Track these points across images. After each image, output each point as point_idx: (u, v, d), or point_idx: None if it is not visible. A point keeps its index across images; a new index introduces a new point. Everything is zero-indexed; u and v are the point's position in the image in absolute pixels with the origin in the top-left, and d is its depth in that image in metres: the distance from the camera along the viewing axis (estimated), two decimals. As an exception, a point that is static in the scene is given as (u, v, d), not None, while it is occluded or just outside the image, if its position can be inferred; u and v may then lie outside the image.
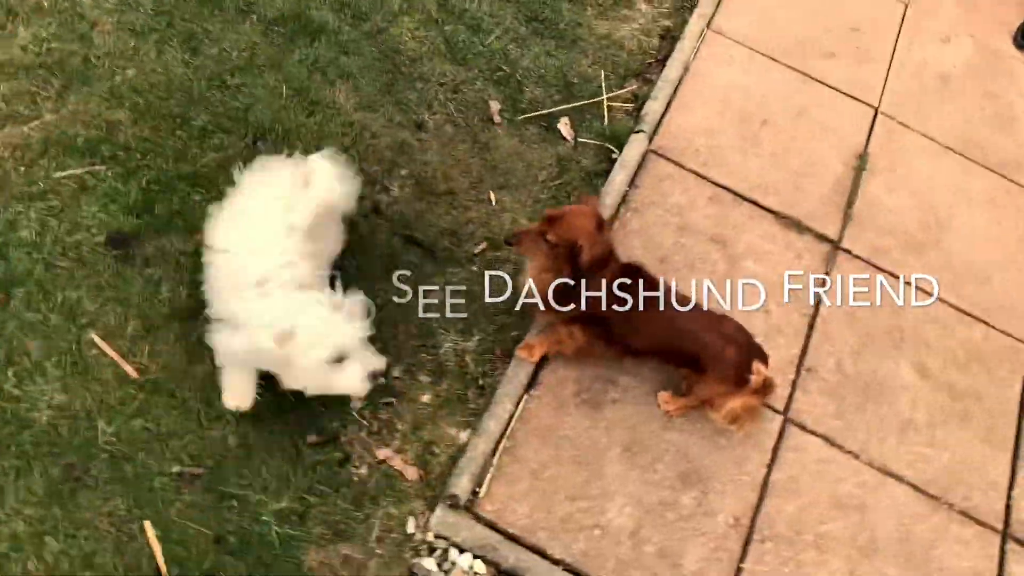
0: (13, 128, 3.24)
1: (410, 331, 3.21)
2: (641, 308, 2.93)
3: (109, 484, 2.67)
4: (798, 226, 3.85)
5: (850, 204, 3.99)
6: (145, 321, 2.96)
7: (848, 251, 3.83)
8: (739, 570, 2.98)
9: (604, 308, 2.94)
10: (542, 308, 3.04)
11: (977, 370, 3.64)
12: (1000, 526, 3.29)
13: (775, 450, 3.24)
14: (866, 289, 3.73)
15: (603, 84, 4.12)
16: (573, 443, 3.09)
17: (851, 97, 4.40)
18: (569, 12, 4.36)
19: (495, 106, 3.88)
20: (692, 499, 3.07)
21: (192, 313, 2.96)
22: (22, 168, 3.15)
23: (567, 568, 2.86)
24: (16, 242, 2.99)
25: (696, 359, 2.97)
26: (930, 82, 4.67)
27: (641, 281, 2.95)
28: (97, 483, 2.66)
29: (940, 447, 3.40)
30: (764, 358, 2.95)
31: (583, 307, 2.92)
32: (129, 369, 2.86)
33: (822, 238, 3.84)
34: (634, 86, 4.18)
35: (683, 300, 3.01)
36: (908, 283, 3.80)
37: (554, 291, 2.93)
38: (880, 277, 3.79)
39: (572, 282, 2.89)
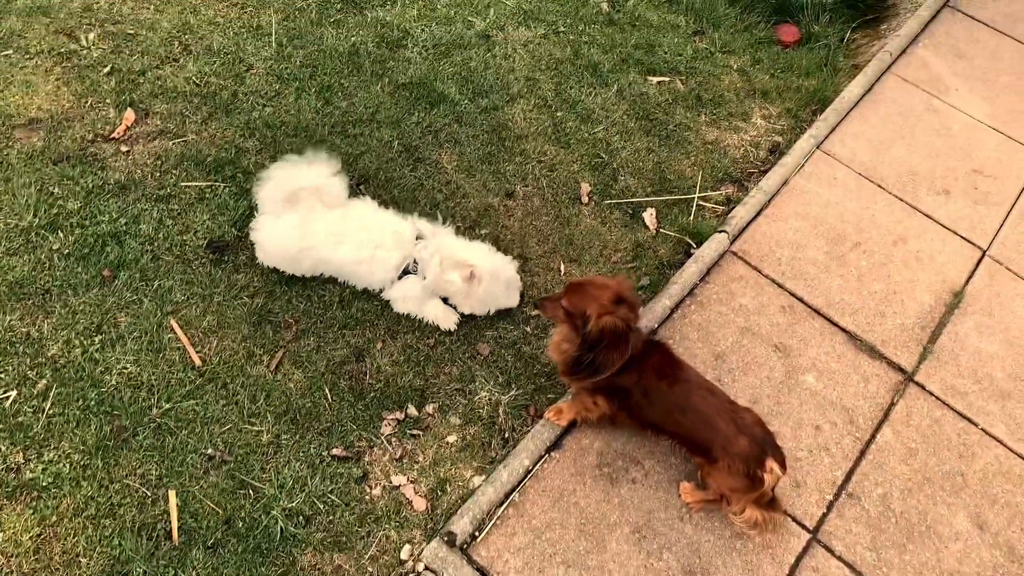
0: (161, 141, 3.78)
1: (452, 373, 3.38)
2: (658, 385, 2.97)
3: (149, 451, 2.97)
4: (871, 350, 3.74)
5: (933, 339, 3.83)
6: (220, 319, 3.31)
7: (921, 386, 3.67)
8: None
9: (619, 381, 2.97)
10: (563, 376, 3.10)
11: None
12: None
13: (794, 568, 3.11)
14: (934, 429, 3.55)
15: (698, 184, 4.25)
16: (582, 512, 3.11)
17: (958, 235, 4.27)
18: (681, 115, 4.55)
19: (585, 188, 4.09)
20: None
21: (261, 319, 3.30)
22: (157, 174, 3.67)
23: (546, 632, 2.85)
24: (135, 233, 3.46)
25: (708, 446, 2.94)
26: (1054, 235, 4.45)
27: (661, 359, 3.00)
28: (140, 447, 2.97)
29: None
30: (781, 458, 2.88)
31: (599, 379, 2.94)
32: (195, 357, 3.20)
33: (895, 367, 3.71)
34: (729, 190, 4.27)
35: (706, 386, 3.03)
36: (985, 431, 3.58)
37: (573, 360, 2.97)
38: (952, 418, 3.59)
39: (581, 353, 2.90)
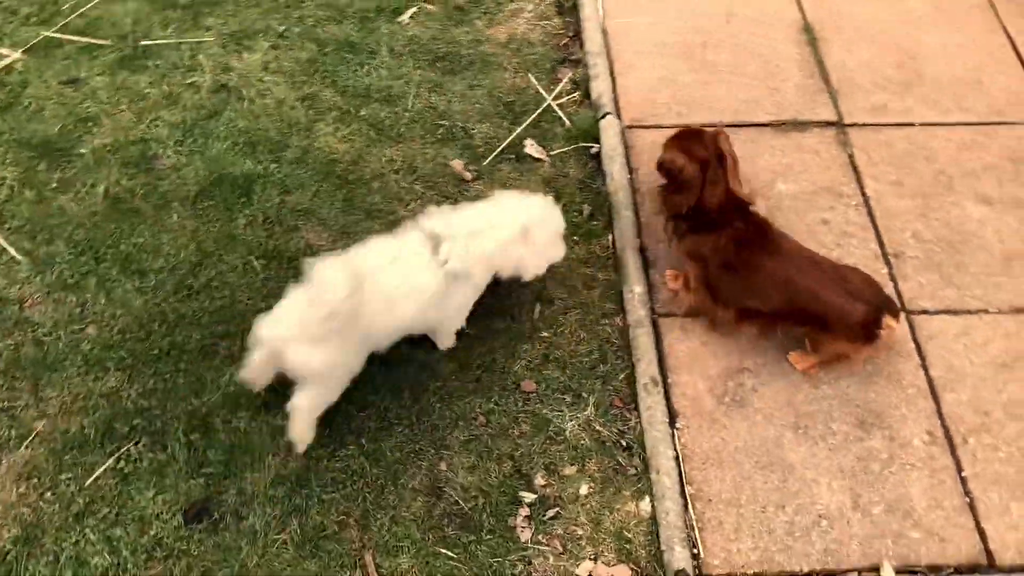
0: (9, 459, 2.77)
1: (524, 431, 2.92)
2: (741, 256, 2.83)
3: None
4: (798, 124, 3.69)
5: (826, 79, 3.84)
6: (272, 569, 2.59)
7: (854, 124, 3.69)
8: (964, 480, 2.82)
9: (700, 245, 2.89)
10: (669, 236, 3.05)
11: (1027, 171, 3.57)
12: None
13: (918, 348, 3.09)
14: (893, 152, 3.60)
15: (539, 88, 3.85)
16: (747, 451, 2.87)
17: (760, -21, 4.25)
18: (460, 35, 4.05)
19: (458, 164, 3.57)
20: (883, 440, 2.89)
21: (317, 547, 2.61)
22: (48, 494, 2.71)
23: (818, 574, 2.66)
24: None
25: (821, 321, 2.78)
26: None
27: (749, 228, 2.85)
28: None
29: (1047, 259, 3.32)
30: (895, 310, 2.77)
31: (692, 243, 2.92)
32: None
33: (826, 124, 3.69)
34: (569, 73, 3.92)
35: (806, 256, 2.86)
36: (924, 124, 3.69)
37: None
38: (896, 133, 3.67)
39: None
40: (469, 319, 3.00)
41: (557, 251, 2.98)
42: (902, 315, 3.15)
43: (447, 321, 2.94)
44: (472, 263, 2.74)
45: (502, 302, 3.19)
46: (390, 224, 3.35)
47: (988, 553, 2.69)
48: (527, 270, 2.90)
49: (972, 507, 2.77)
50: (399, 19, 4.11)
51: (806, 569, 2.65)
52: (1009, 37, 3.98)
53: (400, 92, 3.81)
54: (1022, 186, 3.51)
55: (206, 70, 3.83)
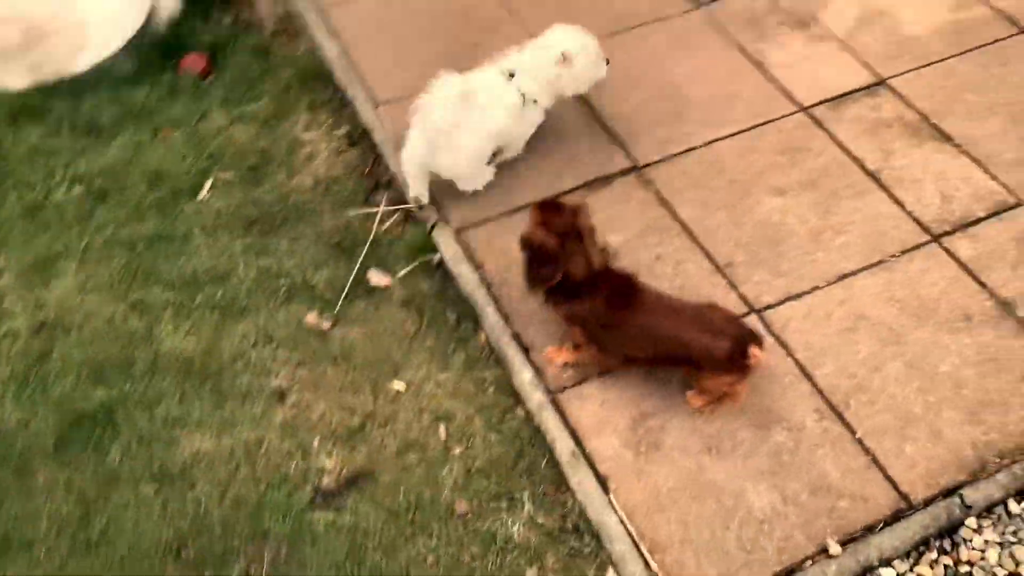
0: None
1: (475, 552, 2.95)
2: (617, 315, 3.06)
3: None
4: (601, 180, 3.99)
5: (611, 133, 4.18)
6: None
7: (650, 163, 4.05)
8: (860, 441, 3.14)
9: (578, 310, 3.11)
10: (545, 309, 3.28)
11: (801, 144, 4.05)
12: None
13: (778, 340, 3.41)
14: (691, 176, 3.98)
15: (361, 220, 3.94)
16: (678, 488, 3.04)
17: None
18: (268, 194, 4.07)
19: (312, 317, 3.58)
20: (783, 432, 3.16)
21: None
22: None
23: (780, 576, 2.87)
24: None
25: (694, 360, 3.02)
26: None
27: (618, 286, 3.08)
28: None
29: (848, 221, 3.77)
30: (759, 340, 3.03)
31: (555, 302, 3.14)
32: None
33: (625, 172, 4.01)
34: (385, 195, 4.02)
35: (666, 303, 3.10)
36: (705, 144, 4.11)
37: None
38: (686, 159, 4.06)
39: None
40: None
41: (599, 71, 3.85)
42: (755, 317, 3.49)
43: (518, 139, 3.89)
44: (538, 88, 3.73)
45: (405, 437, 3.22)
46: (268, 400, 3.32)
47: (903, 496, 3.01)
48: (567, 90, 3.82)
49: (876, 461, 3.09)
50: (198, 197, 4.07)
51: (769, 574, 2.85)
52: (743, 50, 4.52)
53: (227, 267, 3.77)
54: (799, 170, 3.98)
55: (17, 313, 3.61)
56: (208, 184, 4.12)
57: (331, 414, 3.30)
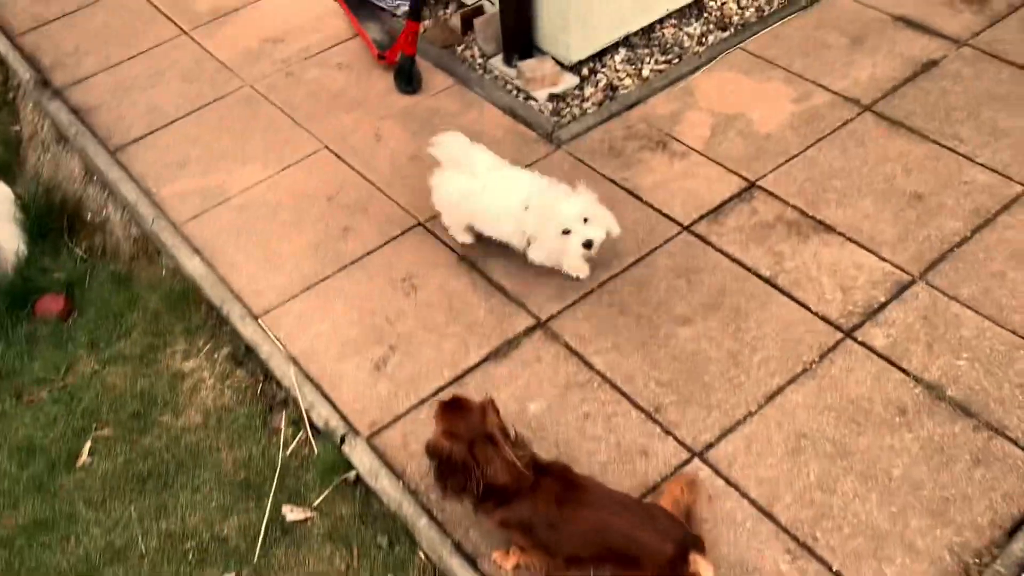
0: None
1: None
2: (561, 512, 2.82)
3: None
4: (508, 344, 3.83)
5: (502, 290, 4.06)
6: None
7: (552, 316, 3.93)
8: (839, 574, 2.97)
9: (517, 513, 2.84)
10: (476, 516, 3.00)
11: (692, 265, 4.01)
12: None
13: (728, 481, 3.26)
14: (595, 319, 3.87)
15: (263, 450, 3.62)
16: None
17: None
18: (157, 440, 3.72)
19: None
20: None
21: None
22: None
23: None
24: None
25: (635, 558, 2.79)
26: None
27: (556, 482, 2.85)
28: None
29: (760, 335, 3.71)
30: (701, 547, 2.86)
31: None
32: None
33: (528, 331, 3.87)
34: (282, 416, 3.73)
35: (615, 499, 2.90)
36: (599, 286, 4.02)
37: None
38: (584, 305, 3.95)
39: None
40: None
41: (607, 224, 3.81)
42: (697, 459, 3.33)
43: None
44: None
45: None
46: None
47: (901, 626, 2.84)
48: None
49: (858, 593, 2.92)
50: (78, 463, 3.68)
51: None
52: (612, 181, 4.52)
53: (126, 541, 3.37)
54: (698, 293, 3.92)
55: None
56: (87, 447, 3.73)
57: None
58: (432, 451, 2.85)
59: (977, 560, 2.96)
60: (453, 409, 2.89)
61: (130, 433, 3.77)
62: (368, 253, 4.26)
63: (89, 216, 4.93)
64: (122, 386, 3.97)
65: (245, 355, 4.01)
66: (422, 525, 3.22)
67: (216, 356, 4.03)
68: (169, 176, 4.75)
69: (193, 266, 4.31)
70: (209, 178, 4.71)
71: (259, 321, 4.05)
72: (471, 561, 3.13)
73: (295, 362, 3.84)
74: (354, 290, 4.15)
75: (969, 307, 3.72)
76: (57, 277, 4.68)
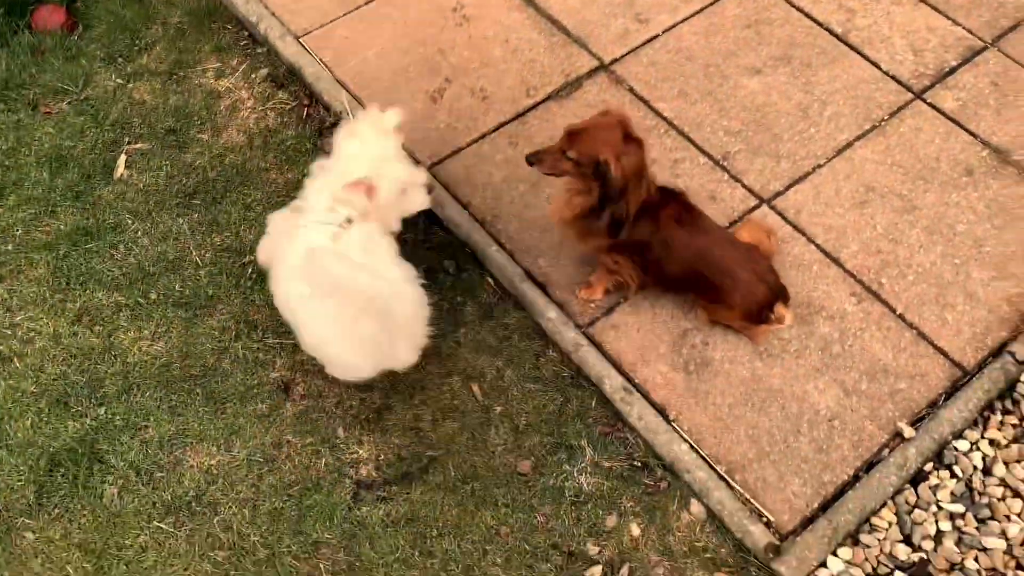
0: None
1: (547, 512, 2.73)
2: (678, 235, 2.79)
3: None
4: (569, 85, 3.65)
5: (567, 32, 3.82)
6: None
7: (615, 59, 3.73)
8: (902, 317, 3.07)
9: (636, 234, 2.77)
10: (577, 238, 2.89)
11: (761, 16, 3.83)
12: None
13: (795, 227, 3.27)
14: (660, 67, 3.70)
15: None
16: (739, 401, 2.91)
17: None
18: (199, 157, 3.52)
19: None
20: (826, 322, 3.06)
21: None
22: None
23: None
24: None
25: (728, 296, 2.84)
26: None
27: (678, 207, 2.81)
28: None
29: (831, 90, 3.61)
30: (787, 299, 2.88)
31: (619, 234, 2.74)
32: None
33: (592, 72, 3.68)
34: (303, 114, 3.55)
35: (725, 236, 2.92)
36: (666, 30, 3.81)
37: (590, 215, 2.72)
38: (651, 49, 3.76)
39: (602, 204, 2.67)
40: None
41: (417, 204, 2.94)
42: (766, 206, 3.32)
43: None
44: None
45: (440, 402, 2.92)
46: (271, 395, 2.92)
47: (957, 365, 2.97)
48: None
49: (923, 335, 3.03)
50: (115, 175, 3.48)
51: (851, 471, 2.78)
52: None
53: (179, 252, 3.26)
54: (768, 45, 3.77)
55: (-66, 354, 3.01)
56: (122, 160, 3.52)
57: (349, 397, 2.95)
58: (604, 171, 2.57)
59: (1034, 309, 3.08)
60: (603, 128, 2.62)
61: (166, 148, 3.55)
62: (414, -24, 3.93)
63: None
64: (152, 102, 3.70)
65: (287, 78, 3.75)
66: (492, 252, 3.18)
67: (254, 76, 3.76)
68: None
69: (221, -23, 3.93)
70: None
71: (300, 41, 3.77)
72: (542, 286, 3.13)
73: (340, 83, 3.62)
74: (400, 16, 3.87)
75: (1040, 76, 3.66)
76: (55, -13, 4.22)
